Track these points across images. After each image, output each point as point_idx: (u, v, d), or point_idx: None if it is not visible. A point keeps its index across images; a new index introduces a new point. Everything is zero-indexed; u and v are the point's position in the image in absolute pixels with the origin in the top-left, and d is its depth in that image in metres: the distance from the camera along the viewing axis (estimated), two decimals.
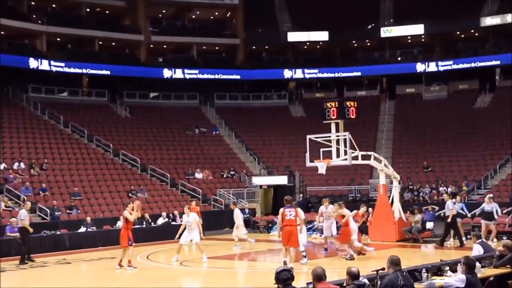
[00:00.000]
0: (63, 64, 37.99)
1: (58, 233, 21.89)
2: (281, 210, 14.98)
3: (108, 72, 39.62)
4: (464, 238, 19.60)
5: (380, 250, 18.18)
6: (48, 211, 24.41)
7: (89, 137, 33.45)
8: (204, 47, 44.34)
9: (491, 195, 21.10)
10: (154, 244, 21.87)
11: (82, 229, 22.58)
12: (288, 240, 14.69)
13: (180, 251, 17.28)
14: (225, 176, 33.54)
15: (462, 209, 21.27)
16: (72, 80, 39.39)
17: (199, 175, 32.67)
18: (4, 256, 18.94)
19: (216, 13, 45.68)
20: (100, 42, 40.95)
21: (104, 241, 22.05)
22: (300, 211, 16.36)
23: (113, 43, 42.00)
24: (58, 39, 39.95)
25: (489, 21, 40.70)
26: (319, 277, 7.00)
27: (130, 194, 28.43)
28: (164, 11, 44.30)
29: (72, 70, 38.48)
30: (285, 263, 14.39)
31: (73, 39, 40.17)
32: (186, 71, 41.79)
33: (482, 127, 35.98)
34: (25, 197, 24.78)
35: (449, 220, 19.37)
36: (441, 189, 30.87)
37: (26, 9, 39.06)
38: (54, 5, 40.96)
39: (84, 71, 39.37)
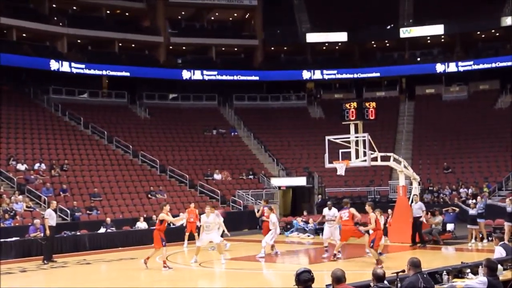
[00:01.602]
0: (83, 66, 38.33)
1: (78, 233, 22.06)
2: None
3: (127, 74, 39.91)
4: (486, 240, 19.44)
5: (398, 252, 18.09)
6: (68, 211, 24.61)
7: (109, 138, 33.69)
8: (223, 48, 44.45)
9: None
10: (172, 245, 21.90)
11: (102, 230, 22.73)
12: (353, 235, 17.06)
13: (199, 252, 17.32)
14: (244, 177, 33.57)
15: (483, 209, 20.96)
16: (92, 82, 39.76)
17: (217, 176, 32.73)
18: (26, 256, 19.18)
19: (235, 14, 45.77)
20: (120, 44, 41.25)
21: (123, 241, 22.20)
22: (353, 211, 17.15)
23: (133, 45, 42.28)
24: (79, 41, 40.33)
25: (510, 21, 40.24)
26: (338, 279, 6.98)
27: (149, 195, 28.58)
28: (183, 12, 44.50)
29: (92, 71, 38.81)
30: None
31: (93, 40, 40.52)
32: (204, 72, 41.91)
33: (503, 127, 35.51)
34: (46, 198, 25.02)
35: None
36: (461, 190, 30.59)
37: (47, 11, 39.45)
38: (74, 7, 41.37)
39: (104, 72, 39.70)
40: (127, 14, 43.31)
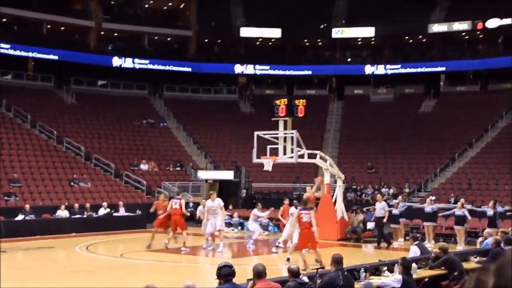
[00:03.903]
0: (8, 46, 36.89)
1: None
2: (296, 212, 14.66)
3: (55, 57, 38.70)
4: (402, 239, 20.09)
5: (321, 248, 18.39)
6: None
7: (32, 123, 32.59)
8: (156, 37, 43.85)
9: (463, 200, 21.56)
10: (95, 235, 21.48)
11: (20, 217, 21.97)
12: (306, 243, 14.33)
13: (215, 238, 17.52)
14: (171, 168, 33.27)
15: (404, 209, 21.64)
16: (17, 63, 38.24)
17: (144, 167, 32.30)
18: None
19: (170, 4, 45.22)
20: (49, 26, 39.93)
21: (42, 230, 21.53)
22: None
23: (62, 28, 41.02)
24: (4, 19, 38.72)
25: (437, 28, 41.77)
26: (259, 274, 7.02)
27: (72, 183, 27.87)
28: None
29: (17, 52, 37.41)
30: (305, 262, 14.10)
31: (20, 21, 39.01)
32: (136, 60, 41.23)
33: (425, 131, 36.86)
34: None
35: (385, 220, 19.85)
36: (383, 190, 31.49)
37: None
38: None
39: (31, 54, 38.36)
40: None
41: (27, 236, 20.62)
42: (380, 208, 20.10)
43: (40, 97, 36.71)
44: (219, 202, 17.55)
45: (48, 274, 14.06)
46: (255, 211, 20.36)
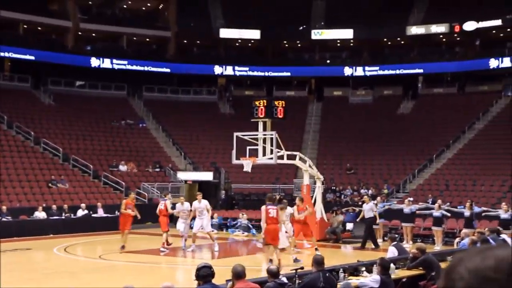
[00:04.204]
0: None
1: None
2: (264, 207, 14.44)
3: (32, 57, 38.31)
4: (381, 240, 20.22)
5: (301, 249, 18.47)
6: None
7: (8, 123, 32.20)
8: (135, 38, 43.63)
9: (440, 201, 21.72)
10: (73, 236, 21.31)
11: None
12: (273, 238, 14.29)
13: (195, 239, 17.59)
14: (150, 169, 33.12)
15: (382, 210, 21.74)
16: None
17: (123, 168, 32.11)
18: None
19: (148, 4, 45.02)
20: (25, 26, 39.50)
21: (19, 231, 21.30)
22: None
23: (39, 28, 40.61)
24: None
25: (415, 30, 42.13)
26: (238, 275, 7.02)
27: (50, 184, 27.61)
28: None
29: None
30: (271, 261, 13.83)
31: None
32: (114, 61, 40.98)
33: (404, 132, 37.18)
34: None
35: (377, 221, 19.87)
36: (362, 191, 31.69)
37: None
38: None
39: (7, 54, 37.91)
40: None
41: (4, 238, 20.35)
42: (368, 209, 19.91)
43: (17, 97, 36.27)
44: (205, 203, 17.82)
45: (26, 276, 13.92)
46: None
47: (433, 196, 28.25)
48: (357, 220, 21.75)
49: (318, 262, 8.19)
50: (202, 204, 17.68)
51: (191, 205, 18.33)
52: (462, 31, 40.83)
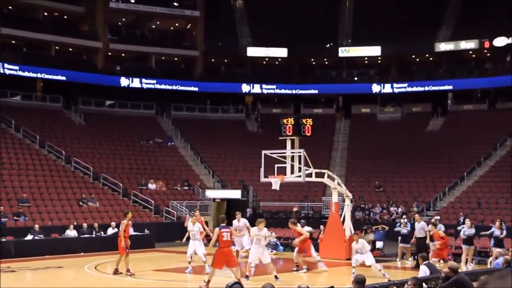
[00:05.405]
0: (17, 67, 37.23)
1: (4, 240, 21.28)
2: (217, 230, 14.06)
3: (63, 78, 39.00)
4: (411, 259, 19.93)
5: (329, 267, 18.33)
6: None
7: (40, 143, 32.76)
8: (163, 57, 44.17)
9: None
10: (103, 254, 21.47)
11: (29, 237, 22.02)
12: (227, 262, 14.01)
13: (191, 262, 17.41)
14: (178, 188, 33.29)
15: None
16: (26, 84, 38.58)
17: (152, 186, 32.34)
18: None
19: (177, 24, 45.59)
20: (57, 47, 40.31)
21: (51, 250, 21.57)
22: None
23: (70, 49, 41.39)
24: (13, 41, 39.14)
25: (443, 46, 41.86)
26: None
27: (80, 203, 27.94)
28: (123, 19, 43.95)
29: (26, 74, 37.75)
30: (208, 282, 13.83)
31: (28, 42, 39.40)
32: (143, 80, 41.51)
33: (433, 149, 36.79)
34: None
35: (427, 242, 18.92)
36: (391, 209, 31.36)
37: None
38: (10, 7, 40.16)
39: (39, 75, 38.67)
40: (65, 17, 42.38)
41: (36, 256, 20.66)
42: (420, 228, 19.29)
43: (49, 117, 36.95)
44: (245, 222, 18.02)
45: None
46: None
47: (465, 214, 27.78)
48: (412, 241, 20.55)
49: (359, 281, 8.05)
50: (241, 222, 18.01)
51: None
52: (492, 47, 40.45)
